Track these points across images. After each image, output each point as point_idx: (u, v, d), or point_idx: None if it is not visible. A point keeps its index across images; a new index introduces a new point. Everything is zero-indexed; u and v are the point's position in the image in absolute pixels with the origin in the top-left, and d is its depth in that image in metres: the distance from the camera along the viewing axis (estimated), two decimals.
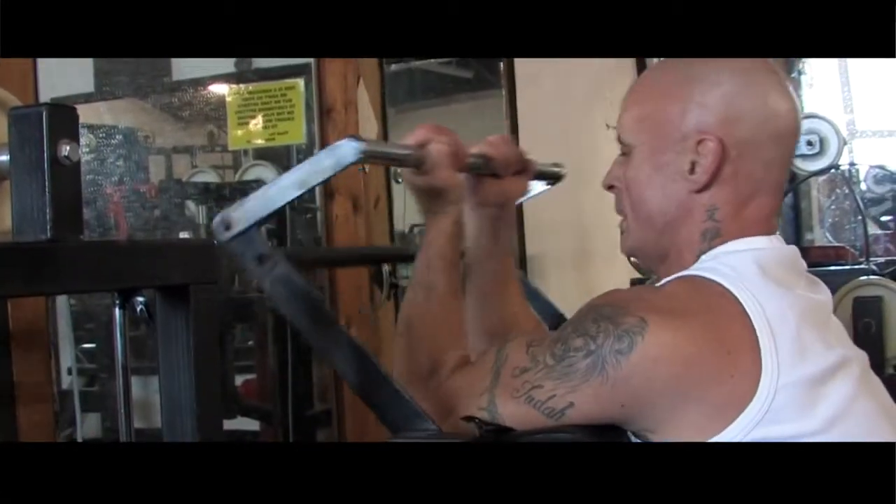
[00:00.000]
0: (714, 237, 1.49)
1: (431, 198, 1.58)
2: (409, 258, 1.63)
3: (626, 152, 1.56)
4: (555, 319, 1.88)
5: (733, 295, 1.36)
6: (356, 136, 1.42)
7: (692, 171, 1.49)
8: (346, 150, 1.41)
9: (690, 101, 1.49)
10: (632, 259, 2.12)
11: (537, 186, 1.94)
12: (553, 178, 1.95)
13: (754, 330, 1.33)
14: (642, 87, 1.58)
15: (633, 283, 2.23)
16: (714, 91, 1.48)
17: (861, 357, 1.48)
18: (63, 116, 0.98)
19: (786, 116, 1.50)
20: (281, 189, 1.44)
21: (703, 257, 1.48)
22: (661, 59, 1.61)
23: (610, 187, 1.60)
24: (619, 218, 1.61)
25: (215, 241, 1.43)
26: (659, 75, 1.58)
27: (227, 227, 1.44)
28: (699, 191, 1.49)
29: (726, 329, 1.34)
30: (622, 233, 1.61)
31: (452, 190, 1.59)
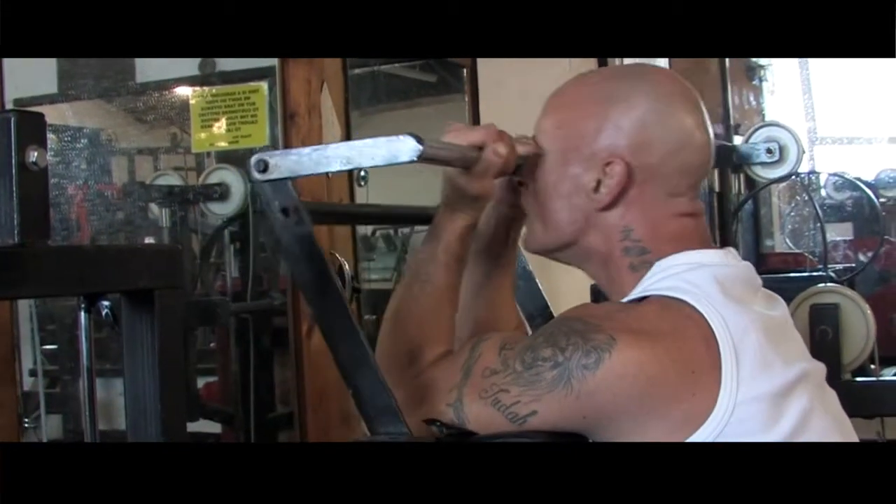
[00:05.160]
0: (642, 253, 1.51)
1: (461, 197, 1.55)
2: (428, 220, 1.61)
3: (539, 153, 1.58)
4: (539, 308, 1.90)
5: (700, 314, 1.38)
6: (417, 137, 1.37)
7: (596, 189, 1.51)
8: (402, 148, 1.37)
9: (606, 120, 1.51)
10: None
11: None
12: None
13: (718, 349, 1.36)
14: (565, 96, 1.61)
15: (593, 288, 2.23)
16: (630, 114, 1.51)
17: (818, 369, 1.51)
18: (31, 123, 0.99)
19: (698, 150, 1.53)
20: (326, 157, 1.43)
21: (654, 269, 1.50)
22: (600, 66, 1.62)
23: (518, 175, 1.61)
24: None
25: (249, 179, 1.48)
26: (582, 87, 1.60)
27: (264, 168, 1.45)
28: (603, 209, 1.51)
29: (692, 350, 1.36)
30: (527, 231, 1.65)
31: (485, 198, 1.58)
